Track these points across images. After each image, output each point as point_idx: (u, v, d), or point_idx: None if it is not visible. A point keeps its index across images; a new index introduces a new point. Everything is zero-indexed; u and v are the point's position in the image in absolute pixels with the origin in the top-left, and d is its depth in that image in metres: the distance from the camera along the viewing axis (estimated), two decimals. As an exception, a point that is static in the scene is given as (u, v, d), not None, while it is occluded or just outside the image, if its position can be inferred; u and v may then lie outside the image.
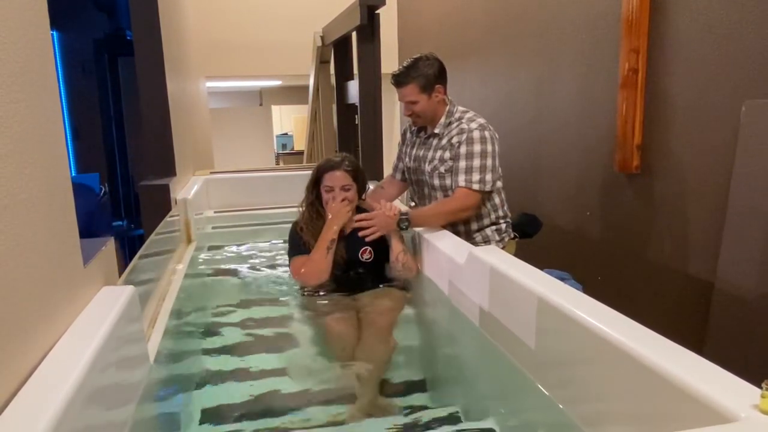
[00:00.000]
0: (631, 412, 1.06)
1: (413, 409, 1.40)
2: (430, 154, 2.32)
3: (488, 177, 2.16)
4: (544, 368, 1.37)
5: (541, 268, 1.56)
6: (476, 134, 2.17)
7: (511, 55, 3.65)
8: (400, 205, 2.54)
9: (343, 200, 2.12)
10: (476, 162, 2.14)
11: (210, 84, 7.73)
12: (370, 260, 2.15)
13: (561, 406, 1.27)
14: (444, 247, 2.02)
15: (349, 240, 2.15)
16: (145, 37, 2.81)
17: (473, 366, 1.69)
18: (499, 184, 2.32)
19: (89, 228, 2.70)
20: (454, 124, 2.25)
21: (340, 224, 2.11)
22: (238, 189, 3.69)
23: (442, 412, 1.37)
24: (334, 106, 4.67)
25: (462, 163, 2.16)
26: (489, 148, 2.16)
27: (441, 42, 4.74)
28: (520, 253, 1.97)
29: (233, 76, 7.19)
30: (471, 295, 1.77)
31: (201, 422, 1.35)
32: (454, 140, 2.21)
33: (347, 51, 4.36)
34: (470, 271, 1.78)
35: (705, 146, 2.17)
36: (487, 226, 2.33)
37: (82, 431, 0.96)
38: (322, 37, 4.69)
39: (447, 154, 2.24)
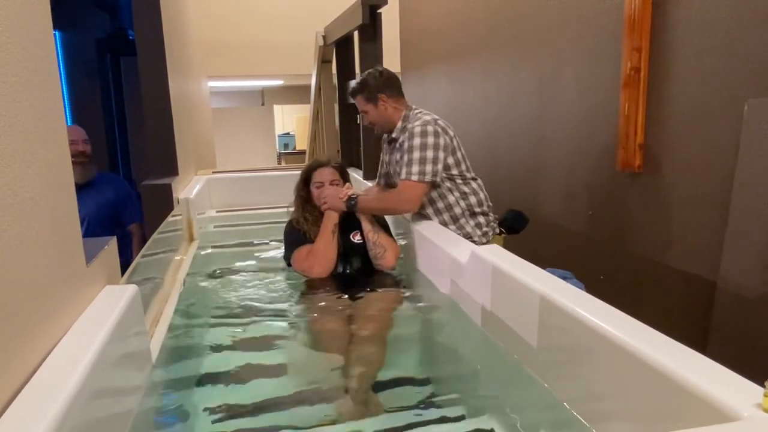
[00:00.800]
0: (634, 410, 1.06)
1: (414, 407, 1.40)
2: (392, 158, 2.46)
3: (428, 168, 2.20)
4: (547, 367, 1.37)
5: (544, 267, 1.56)
6: (416, 130, 2.24)
7: (513, 54, 3.65)
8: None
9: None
10: (415, 155, 2.21)
11: (212, 84, 7.73)
12: (361, 242, 2.26)
13: (564, 405, 1.27)
14: (446, 246, 2.02)
15: (340, 225, 2.25)
16: (148, 37, 2.82)
17: (475, 365, 1.69)
18: (468, 175, 2.39)
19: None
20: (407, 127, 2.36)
21: (338, 210, 2.24)
22: (240, 188, 3.70)
23: (444, 411, 1.37)
24: (336, 106, 4.67)
25: (404, 158, 2.25)
26: (429, 140, 2.21)
27: (442, 41, 4.74)
28: (522, 251, 1.97)
29: (235, 76, 7.19)
30: (473, 294, 1.77)
31: (202, 421, 1.35)
32: (401, 140, 2.33)
33: (349, 50, 4.36)
34: (472, 270, 1.78)
35: (707, 145, 2.17)
36: (463, 217, 2.38)
37: (85, 429, 0.97)
38: (324, 37, 4.70)
39: (398, 156, 2.35)
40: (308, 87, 5.57)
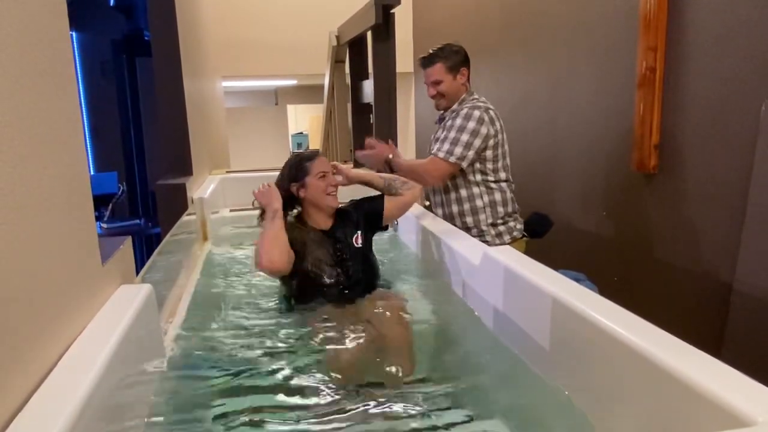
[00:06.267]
0: (647, 415, 1.06)
1: (424, 408, 1.40)
2: (438, 137, 2.38)
3: (457, 150, 2.18)
4: (559, 369, 1.36)
5: (556, 269, 1.55)
6: (463, 112, 2.22)
7: (527, 54, 3.63)
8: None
9: (334, 185, 2.05)
10: (451, 134, 2.20)
11: (226, 84, 7.78)
12: (361, 247, 2.07)
13: (576, 407, 1.26)
14: (458, 247, 2.02)
15: (340, 226, 2.07)
16: (163, 38, 2.85)
17: (486, 366, 1.68)
18: (502, 175, 2.32)
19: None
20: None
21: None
22: (253, 188, 3.71)
23: (453, 414, 1.37)
24: (349, 106, 4.68)
25: (442, 135, 2.26)
26: (470, 125, 2.18)
27: (456, 40, 4.72)
28: (535, 252, 1.96)
29: (249, 76, 7.23)
30: (485, 295, 1.77)
31: (216, 420, 1.36)
32: (447, 120, 2.30)
33: (362, 50, 4.36)
34: (485, 272, 1.77)
35: (724, 146, 2.14)
36: (483, 212, 2.33)
37: (101, 428, 0.98)
38: (338, 37, 4.70)
39: (441, 134, 2.31)
40: (321, 87, 5.58)
